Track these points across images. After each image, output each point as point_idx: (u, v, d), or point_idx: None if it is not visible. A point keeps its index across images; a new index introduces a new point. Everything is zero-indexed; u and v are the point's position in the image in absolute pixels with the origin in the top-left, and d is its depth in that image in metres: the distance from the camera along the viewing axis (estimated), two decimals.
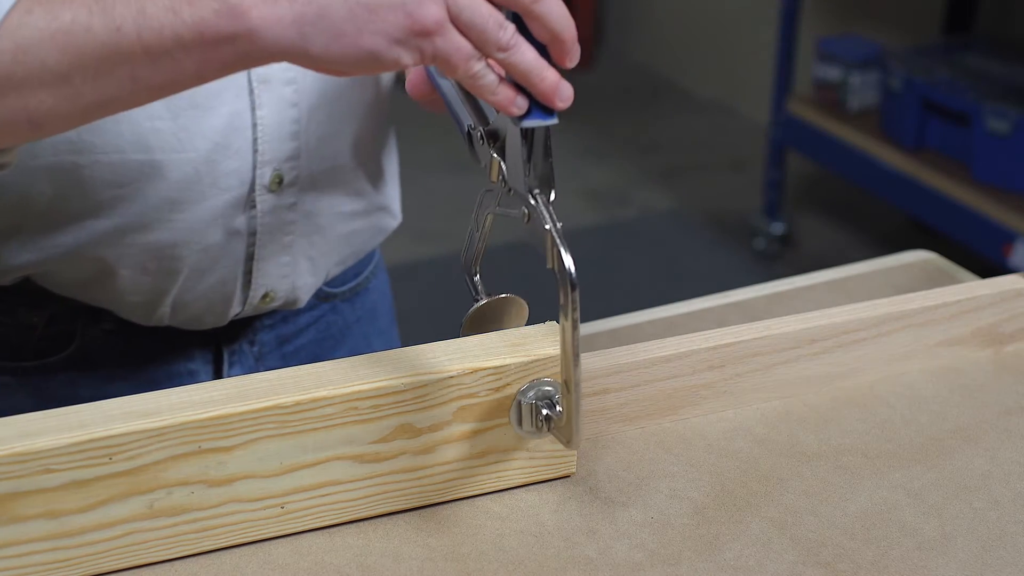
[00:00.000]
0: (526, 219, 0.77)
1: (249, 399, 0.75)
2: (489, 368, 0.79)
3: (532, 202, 0.76)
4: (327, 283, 1.09)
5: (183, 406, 0.74)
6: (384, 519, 0.81)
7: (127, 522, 0.74)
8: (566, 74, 0.73)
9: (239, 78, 0.90)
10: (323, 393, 0.76)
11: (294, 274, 1.01)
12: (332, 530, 0.79)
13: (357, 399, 0.77)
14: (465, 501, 0.82)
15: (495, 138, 0.79)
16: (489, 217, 0.82)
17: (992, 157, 2.73)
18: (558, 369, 0.79)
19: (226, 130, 0.91)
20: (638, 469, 0.85)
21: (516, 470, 0.83)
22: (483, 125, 0.80)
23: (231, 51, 0.70)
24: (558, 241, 0.73)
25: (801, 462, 0.86)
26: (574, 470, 0.84)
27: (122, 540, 0.75)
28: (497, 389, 0.80)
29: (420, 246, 3.23)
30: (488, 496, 0.83)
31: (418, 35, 0.69)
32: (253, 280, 0.99)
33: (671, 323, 1.07)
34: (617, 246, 3.31)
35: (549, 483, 0.84)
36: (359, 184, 1.04)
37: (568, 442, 0.77)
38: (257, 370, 1.05)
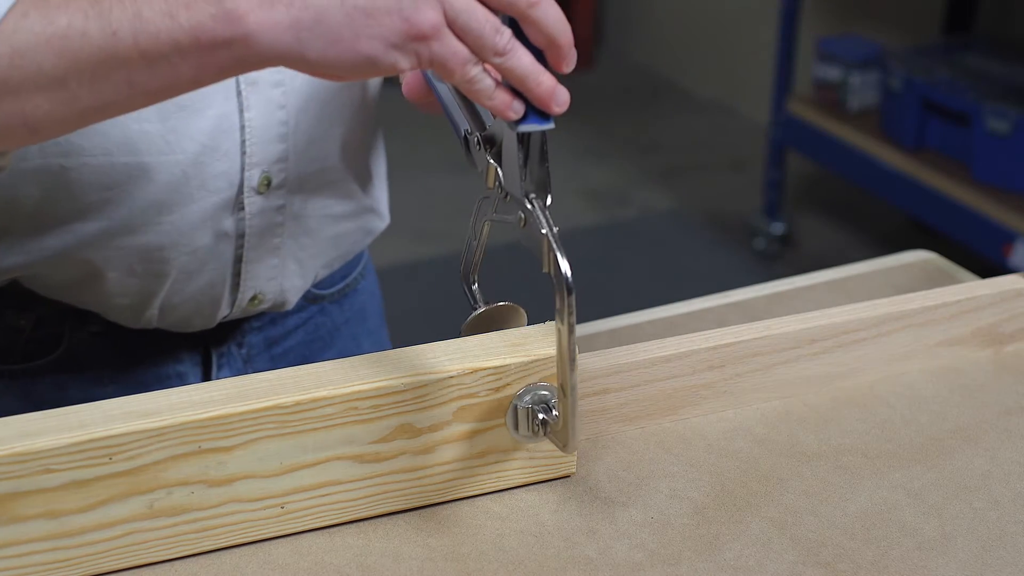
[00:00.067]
0: (522, 223, 0.77)
1: (249, 399, 0.75)
2: (489, 368, 0.79)
3: (529, 206, 0.76)
4: (315, 285, 1.09)
5: (183, 406, 0.74)
6: (384, 519, 0.81)
7: (127, 522, 0.74)
8: (564, 76, 0.73)
9: (227, 80, 0.91)
10: (323, 393, 0.76)
11: (282, 276, 1.01)
12: (332, 530, 0.79)
13: (357, 399, 0.77)
14: (465, 501, 0.82)
15: (491, 143, 0.79)
16: (486, 225, 0.82)
17: (992, 157, 2.73)
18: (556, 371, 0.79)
19: (214, 132, 0.91)
20: (638, 469, 0.85)
21: (516, 470, 0.83)
22: (480, 130, 0.80)
23: (228, 56, 0.70)
24: (554, 245, 0.73)
25: (801, 462, 0.86)
26: (574, 470, 0.84)
27: (122, 540, 0.75)
28: (497, 389, 0.80)
29: (420, 246, 3.23)
30: (488, 496, 0.83)
31: (415, 39, 0.69)
32: (241, 282, 0.99)
33: (671, 323, 1.07)
34: (617, 246, 3.31)
35: (549, 483, 0.84)
36: (347, 186, 1.04)
37: (564, 446, 0.78)
38: (245, 372, 1.05)
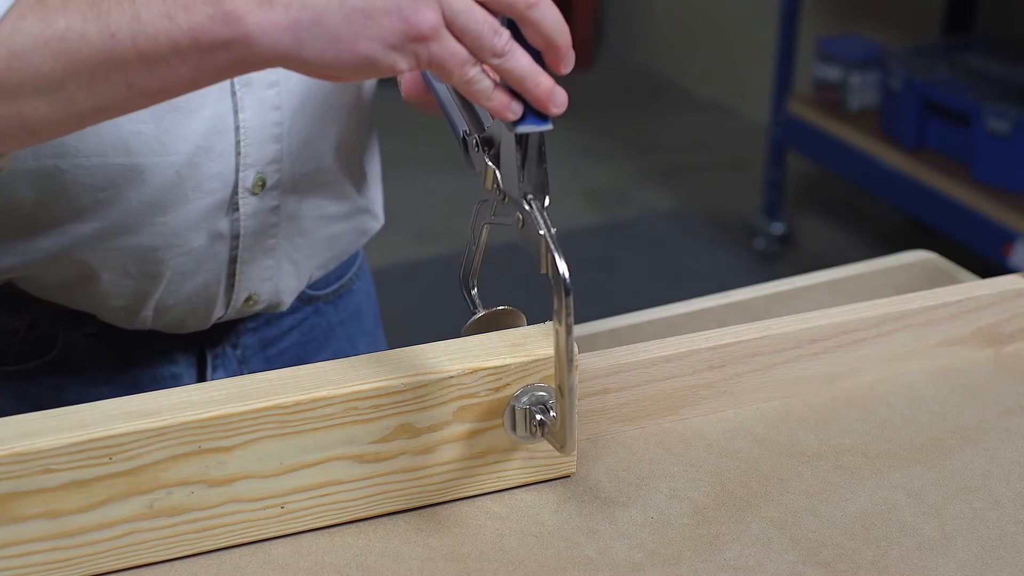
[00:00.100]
0: (520, 224, 0.77)
1: (249, 399, 0.75)
2: (489, 368, 0.79)
3: (527, 207, 0.76)
4: (310, 286, 1.09)
5: (183, 406, 0.74)
6: (384, 519, 0.81)
7: (127, 522, 0.74)
8: (564, 76, 0.73)
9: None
10: (323, 393, 0.76)
11: (277, 277, 1.01)
12: (332, 530, 0.79)
13: (357, 399, 0.77)
14: (465, 501, 0.82)
15: (490, 145, 0.79)
16: (485, 229, 0.82)
17: (992, 157, 2.73)
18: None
19: (208, 133, 0.91)
20: (638, 469, 0.85)
21: (516, 470, 0.83)
22: (478, 132, 0.80)
23: (226, 57, 0.70)
24: (552, 246, 0.73)
25: (801, 462, 0.86)
26: (574, 470, 0.84)
27: (122, 540, 0.75)
28: (497, 389, 0.80)
29: (420, 246, 3.23)
30: (488, 496, 0.83)
31: (414, 40, 0.69)
32: (236, 283, 0.99)
33: (671, 323, 1.07)
34: (617, 246, 3.31)
35: (549, 483, 0.84)
36: (342, 187, 1.04)
37: (562, 447, 0.78)
38: (240, 373, 1.05)
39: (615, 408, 0.88)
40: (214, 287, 0.98)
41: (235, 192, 0.94)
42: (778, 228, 3.25)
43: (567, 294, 0.73)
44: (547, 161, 0.76)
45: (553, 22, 0.71)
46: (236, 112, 0.92)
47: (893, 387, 0.95)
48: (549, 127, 0.73)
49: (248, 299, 1.00)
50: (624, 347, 0.88)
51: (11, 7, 0.72)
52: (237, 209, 0.95)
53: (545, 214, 0.76)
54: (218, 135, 0.92)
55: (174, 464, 0.74)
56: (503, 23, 0.71)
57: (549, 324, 0.83)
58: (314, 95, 0.96)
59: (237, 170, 0.93)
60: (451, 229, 3.26)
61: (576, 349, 0.79)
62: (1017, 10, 3.20)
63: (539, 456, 0.83)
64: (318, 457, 0.77)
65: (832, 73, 3.10)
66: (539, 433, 0.80)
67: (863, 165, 2.99)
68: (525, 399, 0.80)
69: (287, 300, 1.04)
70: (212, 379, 1.04)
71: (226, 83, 0.91)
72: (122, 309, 0.97)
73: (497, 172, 0.78)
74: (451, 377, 0.78)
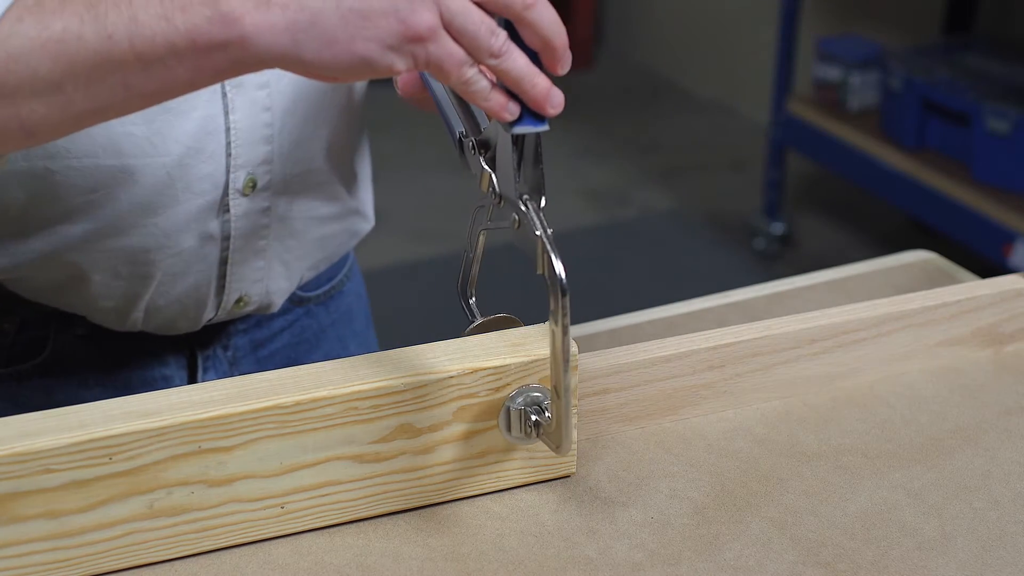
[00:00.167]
0: (516, 225, 0.77)
1: (249, 399, 0.75)
2: (489, 368, 0.79)
3: (523, 208, 0.76)
4: (301, 287, 1.08)
5: (183, 406, 0.74)
6: (384, 519, 0.81)
7: (127, 522, 0.74)
8: (563, 77, 0.73)
9: None
10: (323, 393, 0.76)
11: (268, 278, 1.01)
12: (332, 530, 0.79)
13: (357, 399, 0.77)
14: (465, 501, 0.82)
15: (486, 148, 0.79)
16: (482, 236, 0.83)
17: (992, 157, 2.73)
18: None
19: (199, 134, 0.91)
20: (638, 469, 0.85)
21: (516, 470, 0.83)
22: (475, 134, 0.80)
23: (224, 58, 0.70)
24: (549, 247, 0.73)
25: (801, 462, 0.86)
26: (574, 470, 0.84)
27: (122, 540, 0.75)
28: (497, 389, 0.80)
29: (420, 246, 3.23)
30: (488, 496, 0.83)
31: (411, 41, 0.69)
32: (227, 284, 0.99)
33: (671, 323, 1.07)
34: (617, 246, 3.31)
35: (549, 483, 0.84)
36: (333, 188, 1.04)
37: (558, 447, 0.78)
38: (231, 375, 1.05)
39: (615, 408, 0.88)
40: (205, 288, 0.98)
41: (226, 193, 0.94)
42: (778, 228, 3.25)
43: (564, 294, 0.73)
44: (543, 162, 0.76)
45: (550, 23, 0.71)
46: (227, 113, 0.92)
47: (893, 387, 0.95)
48: (546, 128, 0.73)
49: (239, 300, 1.00)
50: (624, 347, 0.88)
51: (8, 9, 0.72)
52: (228, 210, 0.95)
53: (541, 215, 0.76)
54: (209, 136, 0.92)
55: (174, 464, 0.74)
56: (500, 24, 0.71)
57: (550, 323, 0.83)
58: (305, 96, 0.96)
59: (228, 171, 0.93)
60: (450, 229, 3.26)
61: (575, 348, 0.80)
62: (1017, 10, 3.20)
63: (539, 456, 0.83)
64: (318, 457, 0.77)
65: (832, 73, 3.10)
66: (534, 434, 0.80)
67: (863, 165, 2.99)
68: (520, 400, 0.80)
69: (278, 301, 1.04)
70: (203, 381, 1.04)
71: (216, 84, 0.91)
72: (113, 310, 0.97)
73: (493, 175, 0.78)
74: (451, 377, 0.78)
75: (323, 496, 0.78)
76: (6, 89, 0.72)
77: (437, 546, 0.78)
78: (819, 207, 3.48)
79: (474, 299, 0.86)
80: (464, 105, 0.81)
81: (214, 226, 0.95)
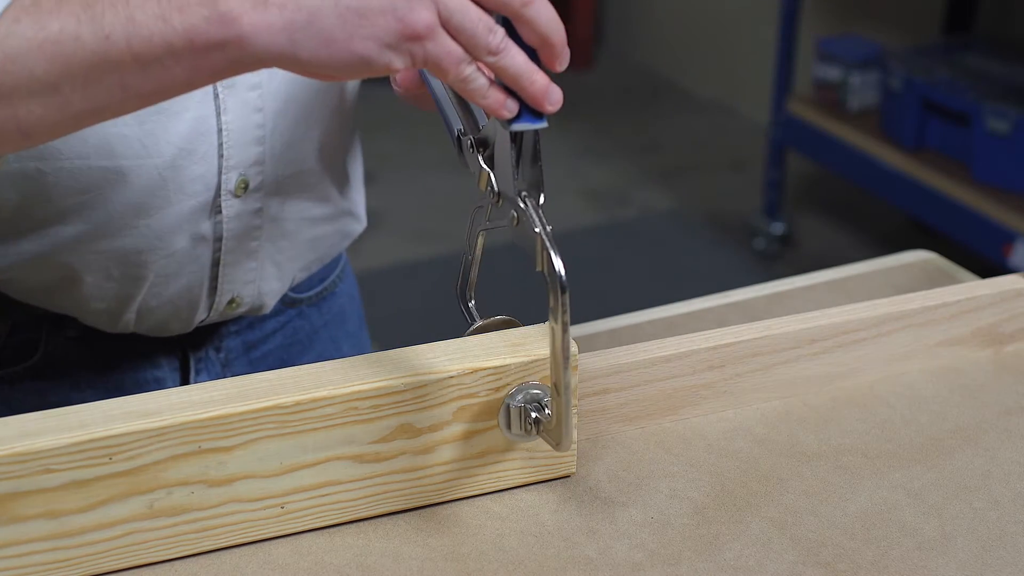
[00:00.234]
0: (515, 222, 0.77)
1: (249, 399, 0.75)
2: (489, 368, 0.79)
3: (521, 205, 0.76)
4: (293, 288, 1.08)
5: (183, 406, 0.74)
6: (384, 519, 0.81)
7: (127, 522, 0.74)
8: (564, 75, 0.73)
9: None
10: (323, 393, 0.76)
11: (260, 279, 1.01)
12: (332, 530, 0.79)
13: (357, 399, 0.77)
14: (465, 501, 0.82)
15: (484, 146, 0.79)
16: (481, 238, 0.82)
17: (992, 157, 2.73)
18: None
19: (191, 135, 0.91)
20: (638, 469, 0.85)
21: (516, 470, 0.83)
22: (474, 132, 0.80)
23: (221, 58, 0.70)
24: (548, 244, 0.73)
25: (801, 462, 0.86)
26: (574, 470, 0.84)
27: (122, 540, 0.75)
28: (497, 389, 0.80)
29: (420, 246, 3.23)
30: (488, 496, 0.83)
31: (409, 39, 0.69)
32: (219, 286, 0.99)
33: (671, 323, 1.07)
34: (617, 246, 3.31)
35: (549, 483, 0.84)
36: (325, 189, 1.03)
37: (558, 445, 0.78)
38: (224, 376, 1.05)
39: (615, 408, 0.88)
40: (197, 289, 0.98)
41: (218, 194, 0.94)
42: (778, 228, 3.25)
43: (563, 291, 0.73)
44: (542, 159, 0.76)
45: (548, 20, 0.71)
46: (219, 114, 0.92)
47: (893, 387, 0.95)
48: (544, 125, 0.73)
49: (231, 301, 1.00)
50: (624, 347, 0.88)
51: (5, 10, 0.72)
52: (220, 211, 0.95)
53: (540, 212, 0.76)
54: (201, 137, 0.91)
55: (174, 464, 0.74)
56: (498, 21, 0.71)
57: (550, 323, 0.83)
58: (297, 97, 0.96)
59: (220, 172, 0.93)
60: (450, 229, 3.26)
61: (575, 348, 0.80)
62: (1017, 10, 3.20)
63: (539, 456, 0.83)
64: (318, 457, 0.77)
65: (832, 73, 3.10)
66: (534, 431, 0.80)
67: (863, 165, 2.99)
68: (520, 397, 0.80)
69: (270, 303, 1.04)
70: (195, 382, 1.04)
71: (209, 86, 0.90)
72: (105, 312, 0.97)
73: (492, 174, 0.78)
74: (451, 377, 0.78)
75: (323, 496, 0.78)
76: (3, 90, 0.72)
77: (437, 546, 0.78)
78: (819, 207, 3.48)
79: (473, 302, 0.85)
80: (463, 103, 0.81)
81: (206, 227, 0.95)
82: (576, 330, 1.04)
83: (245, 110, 0.92)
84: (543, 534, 0.79)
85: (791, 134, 3.17)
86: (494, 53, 0.70)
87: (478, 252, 0.84)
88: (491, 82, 0.72)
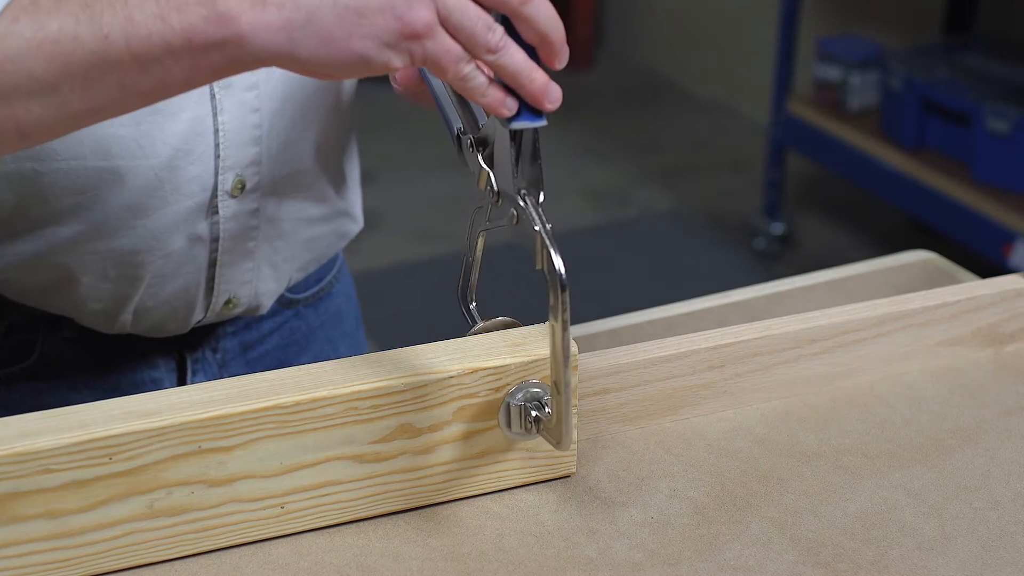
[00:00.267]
0: (515, 220, 0.77)
1: (249, 399, 0.75)
2: (489, 368, 0.79)
3: (521, 204, 0.76)
4: (290, 289, 1.08)
5: (183, 406, 0.74)
6: (384, 519, 0.81)
7: (127, 522, 0.74)
8: (564, 75, 0.73)
9: None
10: (323, 393, 0.76)
11: (257, 280, 1.01)
12: (332, 530, 0.79)
13: (357, 399, 0.77)
14: (465, 501, 0.82)
15: (484, 145, 0.79)
16: (481, 240, 0.82)
17: (992, 157, 2.73)
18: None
19: (188, 136, 0.91)
20: (638, 469, 0.85)
21: (516, 470, 0.83)
22: (473, 131, 0.80)
23: (220, 57, 0.70)
24: (548, 242, 0.73)
25: (801, 462, 0.86)
26: (574, 470, 0.84)
27: (122, 540, 0.75)
28: (497, 389, 0.80)
29: (420, 246, 3.23)
30: (488, 496, 0.83)
31: (408, 38, 0.69)
32: (216, 286, 0.98)
33: (671, 323, 1.07)
34: (617, 246, 3.31)
35: (549, 483, 0.84)
36: (321, 189, 1.03)
37: (558, 443, 0.77)
38: (221, 377, 1.05)
39: (615, 408, 0.88)
40: (193, 290, 0.98)
41: (214, 195, 0.94)
42: (778, 228, 3.25)
43: (563, 290, 0.73)
44: (541, 157, 0.76)
45: (547, 17, 0.71)
46: (215, 115, 0.91)
47: (893, 387, 0.95)
48: (544, 123, 0.73)
49: (228, 302, 1.00)
50: (624, 347, 0.88)
51: (4, 10, 0.72)
52: (216, 212, 0.95)
53: (540, 210, 0.76)
54: (197, 138, 0.91)
55: (174, 464, 0.74)
56: (497, 19, 0.71)
57: (550, 323, 0.83)
58: (293, 97, 0.96)
59: (216, 173, 0.93)
60: (450, 229, 3.26)
61: (575, 348, 0.80)
62: (1017, 10, 3.20)
63: (539, 456, 0.83)
64: (318, 457, 0.77)
65: (832, 73, 3.10)
66: (534, 429, 0.80)
67: (863, 165, 2.99)
68: (520, 395, 0.80)
69: (267, 303, 1.04)
70: (192, 383, 1.04)
71: (205, 86, 0.90)
72: (101, 312, 0.97)
73: (491, 174, 0.78)
74: (451, 377, 0.78)
75: (323, 496, 0.78)
76: (2, 90, 0.72)
77: (437, 546, 0.78)
78: (819, 207, 3.48)
79: (474, 304, 0.85)
80: (462, 101, 0.81)
81: (203, 228, 0.95)
82: (576, 330, 1.04)
83: (242, 110, 0.92)
84: (543, 534, 0.79)
85: (791, 134, 3.17)
86: (493, 51, 0.70)
87: (478, 254, 0.84)
88: (490, 80, 0.72)
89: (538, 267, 0.74)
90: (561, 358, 0.74)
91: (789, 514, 0.81)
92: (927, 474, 0.85)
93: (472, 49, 0.70)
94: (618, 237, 3.36)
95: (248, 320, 1.06)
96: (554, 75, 0.73)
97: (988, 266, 2.49)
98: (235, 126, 0.92)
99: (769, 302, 1.10)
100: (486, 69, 0.72)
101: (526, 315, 0.86)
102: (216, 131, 0.92)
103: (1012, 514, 0.82)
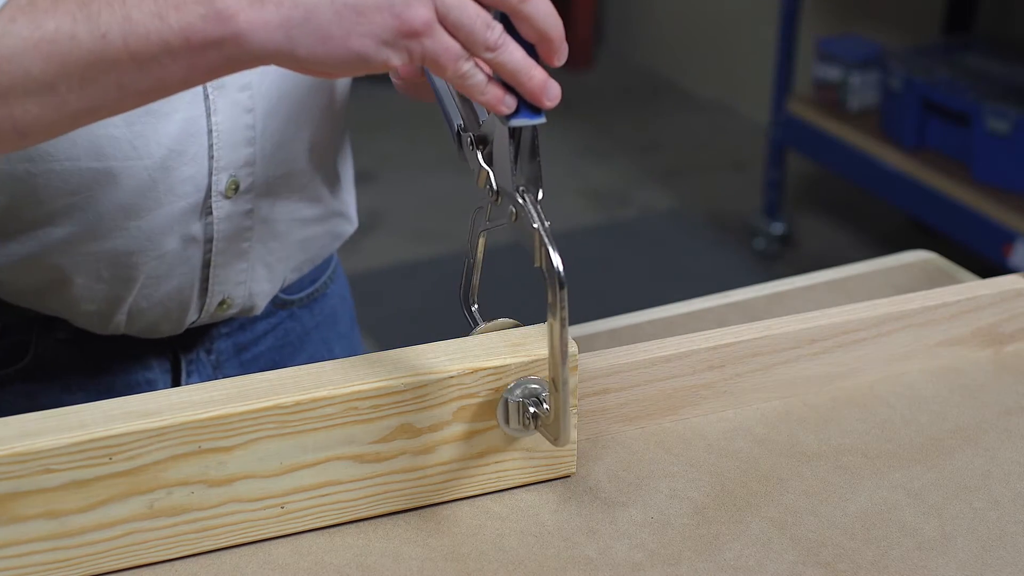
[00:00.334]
0: (513, 217, 0.77)
1: (249, 399, 0.75)
2: (489, 368, 0.79)
3: (519, 201, 0.76)
4: (284, 290, 1.08)
5: (183, 406, 0.74)
6: (384, 519, 0.81)
7: (127, 522, 0.74)
8: (565, 76, 0.73)
9: None
10: (323, 393, 0.76)
11: (251, 280, 1.01)
12: (332, 530, 0.79)
13: (357, 399, 0.77)
14: (465, 501, 0.82)
15: (484, 143, 0.79)
16: (482, 240, 0.82)
17: (992, 157, 2.73)
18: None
19: (181, 136, 0.91)
20: (638, 469, 0.85)
21: (516, 470, 0.83)
22: (474, 129, 0.80)
23: (218, 55, 0.70)
24: (546, 240, 0.73)
25: (801, 462, 0.86)
26: (574, 470, 0.84)
27: (122, 540, 0.75)
28: (497, 389, 0.80)
29: (420, 246, 3.23)
30: (488, 496, 0.83)
31: (406, 36, 0.69)
32: (210, 287, 0.98)
33: (671, 323, 1.07)
34: (617, 246, 3.31)
35: (549, 483, 0.84)
36: (315, 190, 1.03)
37: (556, 440, 0.77)
38: (215, 378, 1.05)
39: (615, 408, 0.88)
40: (187, 291, 0.97)
41: (208, 196, 0.94)
42: (778, 228, 3.25)
43: (561, 287, 0.73)
44: (540, 155, 0.76)
45: (546, 15, 0.71)
46: (209, 115, 0.91)
47: (893, 387, 0.95)
48: (542, 120, 0.73)
49: (222, 303, 1.00)
50: (624, 347, 0.88)
51: (1, 9, 0.72)
52: (210, 213, 0.95)
53: (538, 207, 0.76)
54: (191, 138, 0.91)
55: (174, 464, 0.74)
56: (495, 17, 0.71)
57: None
58: (287, 98, 0.95)
59: (210, 173, 0.93)
60: (450, 229, 3.26)
61: (575, 348, 0.80)
62: (1017, 10, 3.20)
63: (539, 456, 0.83)
64: (318, 457, 0.77)
65: (832, 73, 3.10)
66: (532, 426, 0.80)
67: (863, 165, 2.99)
68: (518, 392, 0.80)
69: (261, 304, 1.03)
70: (187, 384, 1.03)
71: (198, 86, 0.90)
72: (95, 313, 0.96)
73: (490, 172, 0.78)
74: (451, 377, 0.78)
75: (323, 496, 0.78)
76: None
77: (437, 546, 0.78)
78: (819, 207, 3.48)
79: (476, 306, 0.85)
80: (463, 97, 0.81)
81: (197, 228, 0.95)
82: (576, 330, 1.04)
83: (235, 111, 0.92)
84: (543, 534, 0.79)
85: (791, 134, 3.17)
86: (492, 49, 0.70)
87: (479, 256, 0.84)
88: (489, 78, 0.72)
89: (536, 265, 0.74)
90: (559, 356, 0.74)
91: (789, 514, 0.81)
92: (927, 474, 0.85)
93: (471, 47, 0.70)
94: (618, 237, 3.36)
95: (242, 321, 1.06)
96: (553, 73, 0.73)
97: (988, 266, 2.49)
98: (229, 127, 0.92)
99: (769, 302, 1.10)
100: (485, 67, 0.72)
101: (526, 315, 0.86)
102: (210, 132, 0.92)
103: (1012, 514, 0.82)
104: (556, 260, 0.73)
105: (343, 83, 1.03)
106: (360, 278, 2.93)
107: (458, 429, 0.80)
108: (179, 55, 0.70)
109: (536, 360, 0.80)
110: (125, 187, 0.91)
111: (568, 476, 0.84)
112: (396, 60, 0.70)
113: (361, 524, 0.80)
